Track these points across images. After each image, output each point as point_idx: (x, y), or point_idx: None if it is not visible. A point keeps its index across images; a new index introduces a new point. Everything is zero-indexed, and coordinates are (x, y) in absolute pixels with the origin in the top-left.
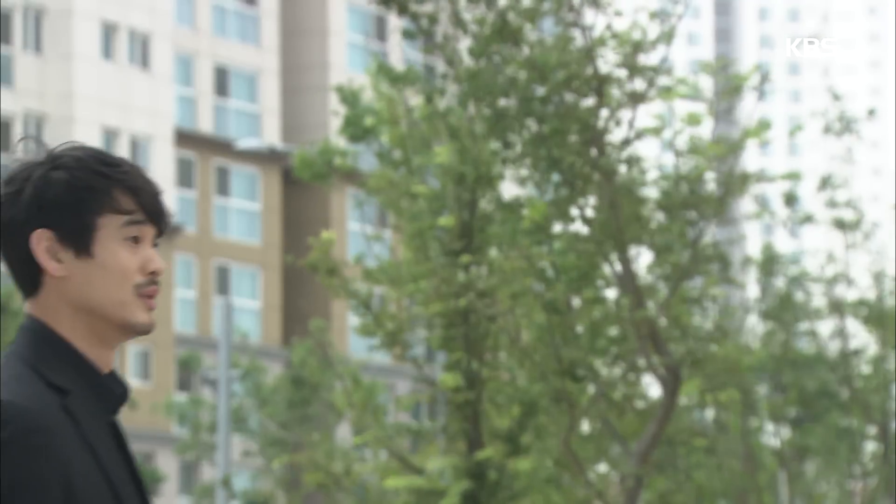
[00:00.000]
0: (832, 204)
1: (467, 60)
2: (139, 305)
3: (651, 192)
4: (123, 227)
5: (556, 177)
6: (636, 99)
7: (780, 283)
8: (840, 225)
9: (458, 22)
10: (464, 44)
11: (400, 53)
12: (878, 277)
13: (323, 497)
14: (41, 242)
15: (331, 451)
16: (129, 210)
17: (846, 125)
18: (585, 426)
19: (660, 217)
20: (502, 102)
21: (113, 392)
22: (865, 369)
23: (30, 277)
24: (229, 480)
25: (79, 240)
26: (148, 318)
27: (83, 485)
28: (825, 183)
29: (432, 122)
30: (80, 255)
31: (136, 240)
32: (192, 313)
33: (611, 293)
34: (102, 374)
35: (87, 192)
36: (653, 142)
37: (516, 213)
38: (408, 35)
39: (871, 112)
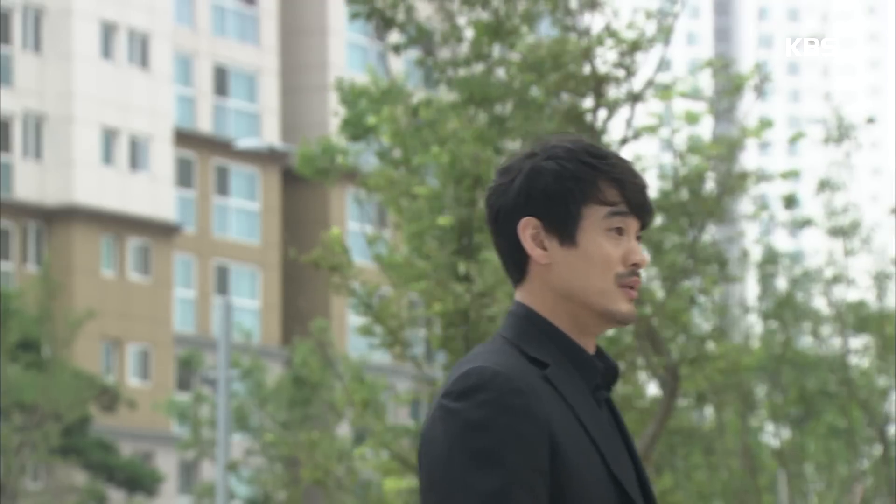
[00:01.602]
0: (830, 209)
1: (461, 69)
2: (620, 295)
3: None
4: (607, 218)
5: None
6: (634, 98)
7: (780, 282)
8: (838, 232)
9: (452, 28)
10: (458, 50)
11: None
12: (879, 278)
13: (323, 496)
14: (527, 230)
15: (330, 449)
16: (613, 201)
17: (844, 132)
18: None
19: (658, 217)
20: (498, 108)
21: (596, 367)
22: (864, 370)
23: (517, 265)
24: (236, 467)
25: (563, 228)
26: (629, 308)
27: (568, 444)
28: (823, 186)
29: (428, 127)
30: (565, 243)
31: (619, 231)
32: (191, 313)
33: None
34: (585, 351)
35: (573, 181)
36: (652, 141)
37: None
38: (397, 49)
39: (870, 120)
